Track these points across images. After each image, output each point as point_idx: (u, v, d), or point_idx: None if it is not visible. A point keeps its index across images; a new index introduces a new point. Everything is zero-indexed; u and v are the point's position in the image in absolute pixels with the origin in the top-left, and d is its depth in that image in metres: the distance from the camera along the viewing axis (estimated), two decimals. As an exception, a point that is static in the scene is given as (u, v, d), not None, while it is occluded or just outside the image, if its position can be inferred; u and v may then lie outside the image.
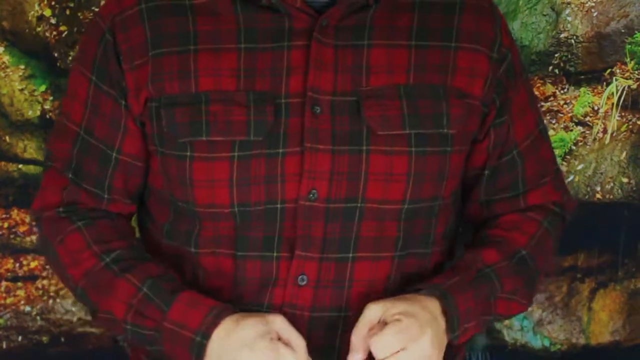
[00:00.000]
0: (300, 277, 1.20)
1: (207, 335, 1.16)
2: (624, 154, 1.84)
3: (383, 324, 1.16)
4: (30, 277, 1.77)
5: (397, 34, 1.22)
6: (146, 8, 1.21)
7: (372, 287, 1.23)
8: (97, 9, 1.67)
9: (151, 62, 1.19)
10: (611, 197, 1.86)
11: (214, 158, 1.18)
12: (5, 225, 1.75)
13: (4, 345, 1.79)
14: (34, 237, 1.75)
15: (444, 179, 1.23)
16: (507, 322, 1.89)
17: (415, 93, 1.21)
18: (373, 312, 1.17)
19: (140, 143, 1.24)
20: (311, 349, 1.19)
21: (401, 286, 1.24)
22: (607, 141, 1.83)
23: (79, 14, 1.68)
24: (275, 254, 1.20)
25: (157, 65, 1.19)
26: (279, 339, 1.15)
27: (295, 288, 1.20)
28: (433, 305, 1.19)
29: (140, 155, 1.25)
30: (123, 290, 1.22)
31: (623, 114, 1.82)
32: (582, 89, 1.81)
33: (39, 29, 1.68)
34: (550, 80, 1.79)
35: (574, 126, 1.82)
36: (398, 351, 1.14)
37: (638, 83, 1.81)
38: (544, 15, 1.76)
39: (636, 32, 1.78)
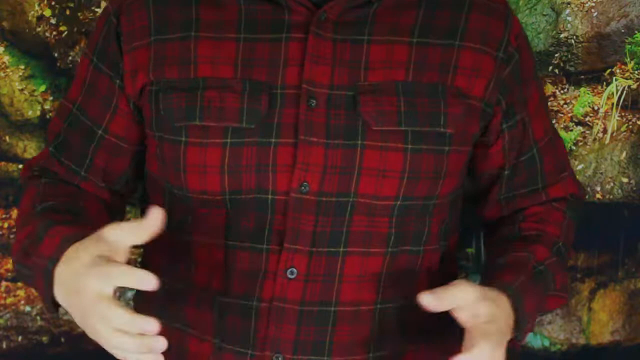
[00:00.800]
0: (290, 270, 1.20)
1: (54, 260, 1.13)
2: (624, 154, 1.84)
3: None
4: (30, 277, 1.77)
5: (399, 31, 1.22)
6: None
7: (363, 282, 1.23)
8: (97, 10, 1.67)
9: (153, 46, 1.22)
10: (611, 197, 1.86)
11: (207, 144, 1.19)
12: (5, 225, 1.75)
13: (4, 346, 1.79)
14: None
15: (440, 177, 1.23)
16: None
17: (414, 90, 1.21)
18: (466, 294, 1.13)
19: (128, 124, 1.26)
20: (301, 344, 1.19)
21: (393, 283, 1.24)
22: (607, 141, 1.83)
23: (79, 14, 1.68)
24: (264, 246, 1.20)
25: (159, 50, 1.21)
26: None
27: (285, 281, 1.20)
28: (507, 306, 1.19)
29: (126, 137, 1.27)
30: (25, 233, 1.21)
31: (623, 114, 1.82)
32: (582, 89, 1.81)
33: (39, 29, 1.68)
34: (550, 80, 1.79)
35: (574, 126, 1.82)
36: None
37: (638, 83, 1.81)
38: (544, 15, 1.76)
39: (636, 32, 1.78)
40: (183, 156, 1.19)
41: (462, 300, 1.13)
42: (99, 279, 1.04)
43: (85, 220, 1.22)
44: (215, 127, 1.18)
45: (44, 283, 1.15)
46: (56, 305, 1.17)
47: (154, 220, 1.07)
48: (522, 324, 1.20)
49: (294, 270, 1.20)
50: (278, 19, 1.20)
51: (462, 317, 1.13)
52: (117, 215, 1.34)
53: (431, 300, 1.11)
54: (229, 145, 1.18)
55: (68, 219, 1.21)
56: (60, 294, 1.13)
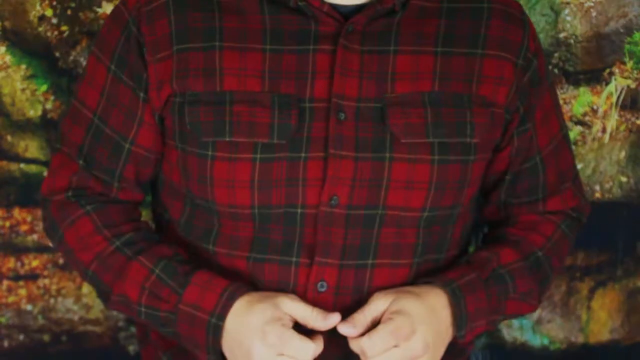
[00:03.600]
0: (320, 283, 1.20)
1: (222, 317, 1.17)
2: (623, 153, 1.84)
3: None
4: (32, 276, 1.77)
5: (423, 40, 1.20)
6: (172, 1, 1.20)
7: None
8: (98, 9, 1.67)
9: (175, 56, 1.19)
10: (610, 196, 1.86)
11: (236, 159, 1.17)
12: (7, 224, 1.75)
13: (6, 344, 1.79)
14: (35, 236, 1.75)
15: (465, 187, 1.22)
16: (506, 321, 1.90)
17: (440, 101, 1.20)
18: (380, 304, 1.18)
19: (154, 136, 1.24)
20: (330, 356, 1.19)
21: None
22: (606, 141, 1.84)
23: (80, 14, 1.68)
24: (294, 259, 1.20)
25: (182, 60, 1.18)
26: (292, 320, 1.16)
27: (315, 294, 1.20)
28: (439, 300, 1.20)
29: (153, 148, 1.25)
30: (136, 272, 1.22)
31: (622, 113, 1.83)
32: (581, 89, 1.81)
33: (40, 29, 1.69)
34: (549, 80, 1.79)
35: (573, 126, 1.82)
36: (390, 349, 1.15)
37: (637, 83, 1.81)
38: (543, 15, 1.76)
39: (635, 31, 1.79)
40: (210, 170, 1.18)
41: (377, 311, 1.18)
42: (272, 345, 1.13)
43: (174, 246, 1.27)
44: (245, 143, 1.17)
45: (210, 336, 1.18)
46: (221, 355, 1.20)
47: (332, 320, 1.17)
48: (463, 320, 1.21)
49: (324, 283, 1.20)
50: (304, 29, 1.18)
51: (382, 319, 1.17)
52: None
53: (347, 329, 1.17)
54: (258, 161, 1.17)
55: (174, 254, 1.24)
56: (227, 346, 1.18)
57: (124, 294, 1.23)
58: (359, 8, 1.19)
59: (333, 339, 1.20)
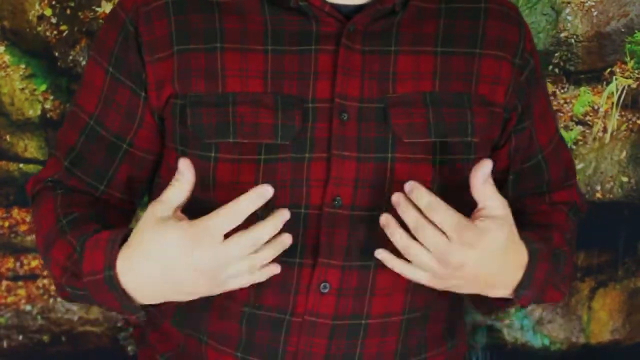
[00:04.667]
0: (323, 284, 1.19)
1: (110, 267, 1.11)
2: (624, 153, 1.84)
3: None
4: (31, 276, 1.77)
5: (424, 41, 1.21)
6: (172, 2, 1.19)
7: (393, 294, 1.22)
8: (97, 9, 1.67)
9: (176, 57, 1.18)
10: (611, 196, 1.86)
11: (240, 160, 1.17)
12: (6, 224, 1.75)
13: (5, 345, 1.79)
14: (34, 237, 1.75)
15: (465, 186, 1.22)
16: (507, 321, 1.90)
17: (441, 101, 1.20)
18: (495, 202, 1.12)
19: (153, 136, 1.23)
20: (331, 358, 1.19)
21: (420, 293, 1.23)
22: (607, 140, 1.83)
23: (80, 14, 1.68)
24: (297, 260, 1.19)
25: (183, 61, 1.18)
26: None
27: (318, 295, 1.19)
28: (522, 253, 1.16)
29: (151, 148, 1.24)
30: (59, 252, 1.19)
31: (623, 113, 1.82)
32: (582, 88, 1.81)
33: (39, 29, 1.69)
34: (550, 80, 1.79)
35: (574, 125, 1.82)
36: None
37: (638, 82, 1.81)
38: (544, 15, 1.76)
39: (636, 31, 1.78)
40: (213, 172, 1.18)
41: (484, 198, 1.12)
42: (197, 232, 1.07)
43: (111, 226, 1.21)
44: (249, 144, 1.16)
45: (115, 293, 1.12)
46: (139, 305, 1.14)
47: (188, 169, 1.08)
48: (526, 282, 1.17)
49: (327, 284, 1.19)
50: (305, 29, 1.18)
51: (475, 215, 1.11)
52: (131, 218, 1.33)
53: (409, 186, 1.11)
54: (262, 162, 1.16)
55: (98, 228, 1.18)
56: (139, 282, 1.11)
57: (54, 274, 1.20)
58: (359, 8, 1.18)
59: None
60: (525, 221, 1.29)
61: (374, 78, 1.18)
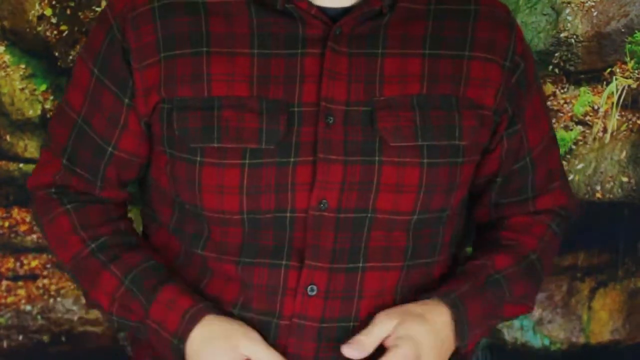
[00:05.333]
0: (310, 287, 1.19)
1: (182, 341, 1.18)
2: (624, 153, 1.84)
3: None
4: (31, 276, 1.77)
5: (411, 43, 1.20)
6: (158, 6, 1.19)
7: (381, 297, 1.22)
8: (97, 9, 1.67)
9: (163, 63, 1.18)
10: (611, 196, 1.86)
11: (225, 164, 1.17)
12: (6, 224, 1.75)
13: (5, 345, 1.79)
14: (34, 236, 1.75)
15: (454, 189, 1.22)
16: (507, 321, 1.90)
17: (428, 104, 1.19)
18: (385, 327, 1.18)
19: (138, 142, 1.23)
20: None
21: (409, 296, 1.23)
22: (607, 140, 1.83)
23: (80, 14, 1.68)
24: (284, 263, 1.19)
25: (169, 66, 1.18)
26: None
27: (305, 298, 1.19)
28: (442, 317, 1.20)
29: (137, 153, 1.24)
30: (107, 282, 1.23)
31: (623, 113, 1.82)
32: (582, 89, 1.81)
33: (39, 29, 1.68)
34: (550, 80, 1.79)
35: (574, 125, 1.82)
36: None
37: (638, 82, 1.81)
38: (544, 15, 1.76)
39: (636, 31, 1.78)
40: (199, 176, 1.18)
41: (382, 333, 1.17)
42: None
43: (147, 250, 1.27)
44: (233, 149, 1.16)
45: (174, 354, 1.20)
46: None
47: None
48: (465, 330, 1.22)
49: (314, 287, 1.19)
50: (292, 33, 1.17)
51: (387, 343, 1.17)
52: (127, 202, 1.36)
53: (353, 351, 1.16)
54: (247, 167, 1.16)
55: (145, 261, 1.25)
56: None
57: (97, 302, 1.25)
58: (346, 10, 1.18)
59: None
60: (495, 237, 1.31)
61: (361, 81, 1.18)
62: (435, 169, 1.19)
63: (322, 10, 1.17)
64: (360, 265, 1.20)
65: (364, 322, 1.20)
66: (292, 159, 1.16)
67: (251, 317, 1.20)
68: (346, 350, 1.17)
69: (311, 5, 1.17)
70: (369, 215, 1.18)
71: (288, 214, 1.17)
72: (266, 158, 1.16)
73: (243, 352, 1.17)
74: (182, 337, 1.18)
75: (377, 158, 1.17)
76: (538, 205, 1.33)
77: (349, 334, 1.20)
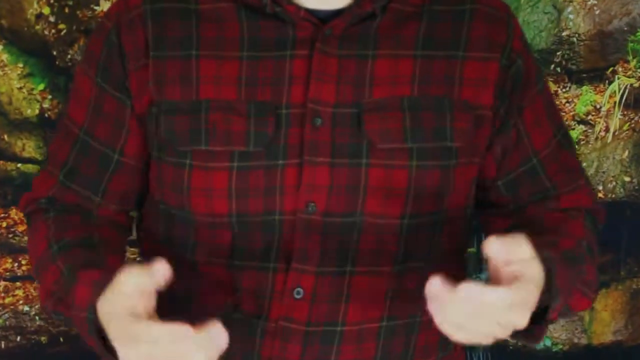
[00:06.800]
0: (296, 290, 1.19)
1: (94, 309, 1.09)
2: (626, 152, 1.84)
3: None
4: (29, 277, 1.77)
5: (403, 44, 1.19)
6: (151, 9, 1.20)
7: (370, 301, 1.21)
8: (96, 8, 1.67)
9: (152, 63, 1.18)
10: (613, 196, 1.86)
11: (213, 168, 1.17)
12: (4, 224, 1.75)
13: (3, 345, 1.78)
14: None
15: (447, 193, 1.21)
16: (508, 321, 1.89)
17: (419, 105, 1.19)
18: (525, 247, 1.04)
19: (142, 144, 1.23)
20: None
21: (400, 301, 1.22)
22: (609, 140, 1.83)
23: (78, 12, 1.68)
24: (272, 265, 1.19)
25: (159, 68, 1.18)
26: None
27: (292, 301, 1.19)
28: (540, 279, 1.08)
29: (142, 156, 1.24)
30: (49, 276, 1.19)
31: (625, 112, 1.82)
32: (584, 88, 1.80)
33: (37, 27, 1.68)
34: (552, 79, 1.79)
35: (576, 125, 1.82)
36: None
37: (640, 81, 1.81)
38: (546, 13, 1.76)
39: (639, 29, 1.78)
40: (187, 179, 1.17)
41: (520, 254, 1.04)
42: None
43: (103, 251, 1.20)
44: (221, 151, 1.16)
45: (92, 335, 1.10)
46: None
47: (162, 271, 1.04)
48: (553, 292, 1.09)
49: (301, 290, 1.19)
50: (282, 35, 1.17)
51: (507, 270, 1.04)
52: (127, 232, 1.33)
53: (497, 248, 1.01)
54: (235, 169, 1.16)
55: (89, 258, 1.17)
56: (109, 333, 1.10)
57: (40, 297, 1.21)
58: (337, 12, 1.18)
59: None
60: (534, 230, 1.24)
61: (350, 83, 1.18)
62: (425, 171, 1.18)
63: (313, 12, 1.17)
64: (348, 269, 1.19)
65: (351, 326, 1.20)
66: (280, 162, 1.16)
67: (238, 319, 1.20)
68: (492, 245, 1.03)
69: (299, 8, 1.17)
70: (358, 218, 1.18)
71: (277, 217, 1.17)
72: (254, 161, 1.16)
73: (123, 290, 1.05)
74: (93, 307, 1.08)
75: (364, 160, 1.17)
76: (563, 204, 1.30)
77: (335, 337, 1.20)
